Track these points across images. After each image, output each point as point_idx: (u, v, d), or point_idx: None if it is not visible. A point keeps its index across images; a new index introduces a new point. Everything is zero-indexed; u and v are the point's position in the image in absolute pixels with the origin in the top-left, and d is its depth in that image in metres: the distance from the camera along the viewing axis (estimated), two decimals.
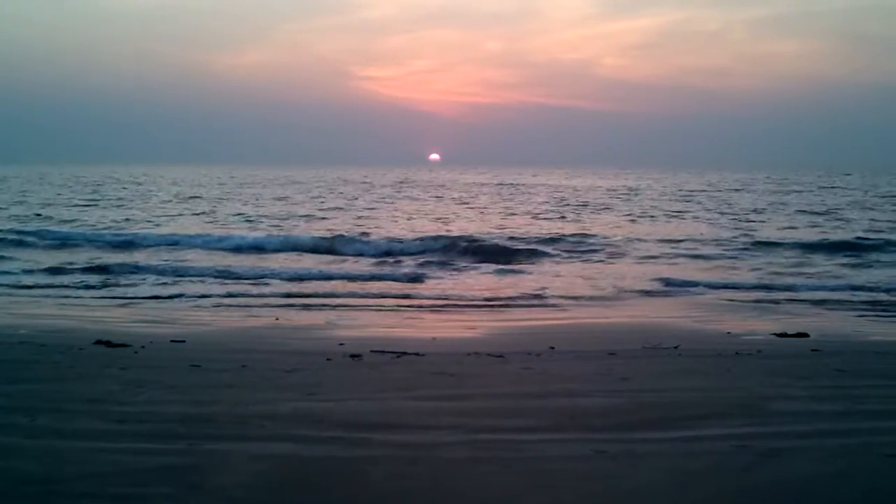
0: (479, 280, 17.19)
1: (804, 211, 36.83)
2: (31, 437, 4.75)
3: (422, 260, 20.23)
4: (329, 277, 17.03)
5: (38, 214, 32.75)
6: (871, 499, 3.98)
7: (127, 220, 31.06)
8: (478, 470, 4.28)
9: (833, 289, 15.47)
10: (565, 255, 21.67)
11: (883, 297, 14.65)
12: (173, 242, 23.19)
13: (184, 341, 8.70)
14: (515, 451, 4.58)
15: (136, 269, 17.45)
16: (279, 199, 46.45)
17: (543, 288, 15.40)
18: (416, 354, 7.85)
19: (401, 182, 74.03)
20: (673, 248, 22.64)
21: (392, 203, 43.75)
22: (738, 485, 4.10)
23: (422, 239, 23.87)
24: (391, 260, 20.43)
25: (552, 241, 24.38)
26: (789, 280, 16.80)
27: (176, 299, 13.76)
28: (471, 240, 23.55)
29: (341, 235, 24.38)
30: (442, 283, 16.72)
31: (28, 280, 15.94)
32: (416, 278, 17.08)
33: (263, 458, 4.39)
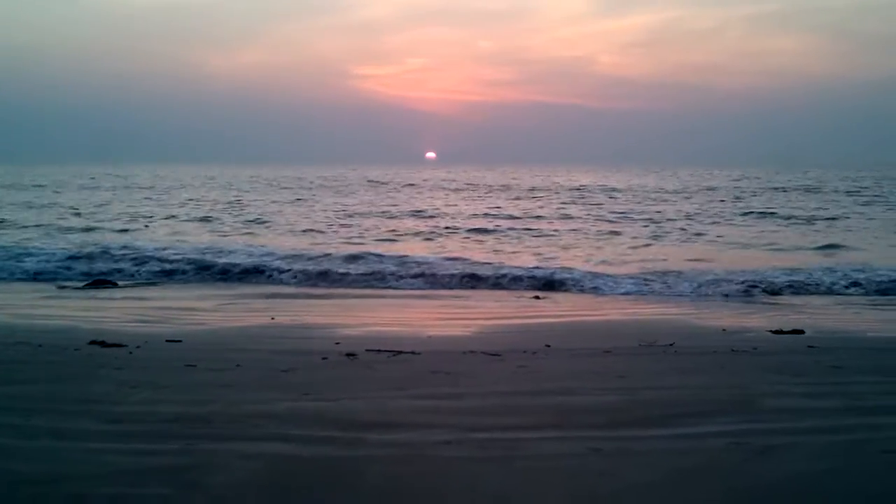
0: None
1: None
2: (26, 437, 4.75)
3: None
4: None
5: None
6: (867, 495, 3.99)
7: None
8: (473, 469, 4.28)
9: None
10: None
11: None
12: None
13: (179, 341, 8.68)
14: (510, 450, 4.58)
15: None
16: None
17: None
18: (412, 353, 7.85)
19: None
20: None
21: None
22: (732, 482, 4.11)
23: None
24: None
25: None
26: None
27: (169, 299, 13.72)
28: None
29: None
30: None
31: None
32: None
33: (259, 458, 4.40)
